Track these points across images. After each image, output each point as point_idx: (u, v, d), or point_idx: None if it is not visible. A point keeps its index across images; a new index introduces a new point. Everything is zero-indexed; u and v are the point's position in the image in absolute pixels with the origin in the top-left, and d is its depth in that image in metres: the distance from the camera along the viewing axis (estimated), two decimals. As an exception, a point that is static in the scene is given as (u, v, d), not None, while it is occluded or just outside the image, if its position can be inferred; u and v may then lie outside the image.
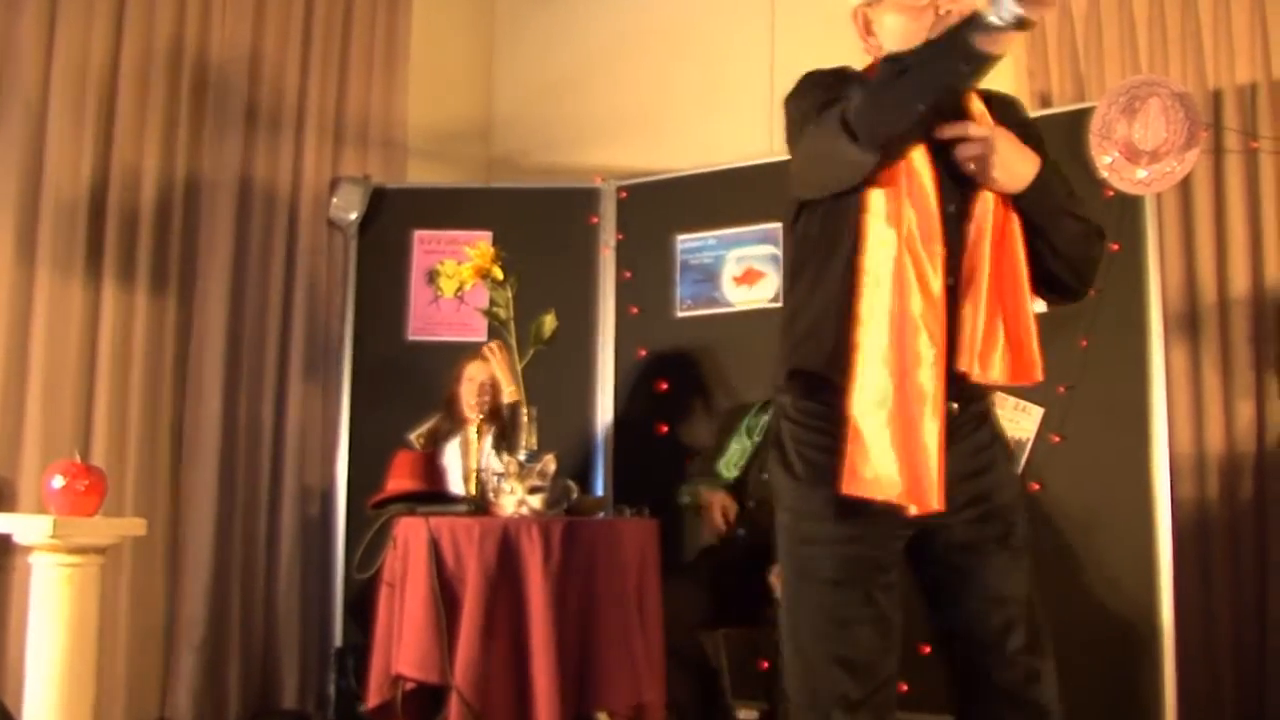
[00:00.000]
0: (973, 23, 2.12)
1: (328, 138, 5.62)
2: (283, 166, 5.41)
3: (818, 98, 2.45)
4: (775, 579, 4.06)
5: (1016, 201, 2.40)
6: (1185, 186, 4.80)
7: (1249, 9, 4.89)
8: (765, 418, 4.56)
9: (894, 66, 2.29)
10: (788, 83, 5.83)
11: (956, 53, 2.18)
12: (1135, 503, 4.40)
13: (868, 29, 2.56)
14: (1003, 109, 2.55)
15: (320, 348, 5.49)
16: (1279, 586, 4.59)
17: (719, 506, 4.40)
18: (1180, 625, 4.35)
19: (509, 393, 4.50)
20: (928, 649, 2.79)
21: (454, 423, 4.72)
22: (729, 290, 5.32)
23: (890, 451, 2.30)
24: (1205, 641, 4.61)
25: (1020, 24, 2.07)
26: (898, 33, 2.47)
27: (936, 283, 2.33)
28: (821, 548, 2.43)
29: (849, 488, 2.32)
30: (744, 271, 5.30)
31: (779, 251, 5.23)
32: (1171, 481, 4.45)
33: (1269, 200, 4.77)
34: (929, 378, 2.31)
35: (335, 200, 5.52)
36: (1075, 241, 2.49)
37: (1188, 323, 4.81)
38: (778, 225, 5.25)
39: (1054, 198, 2.44)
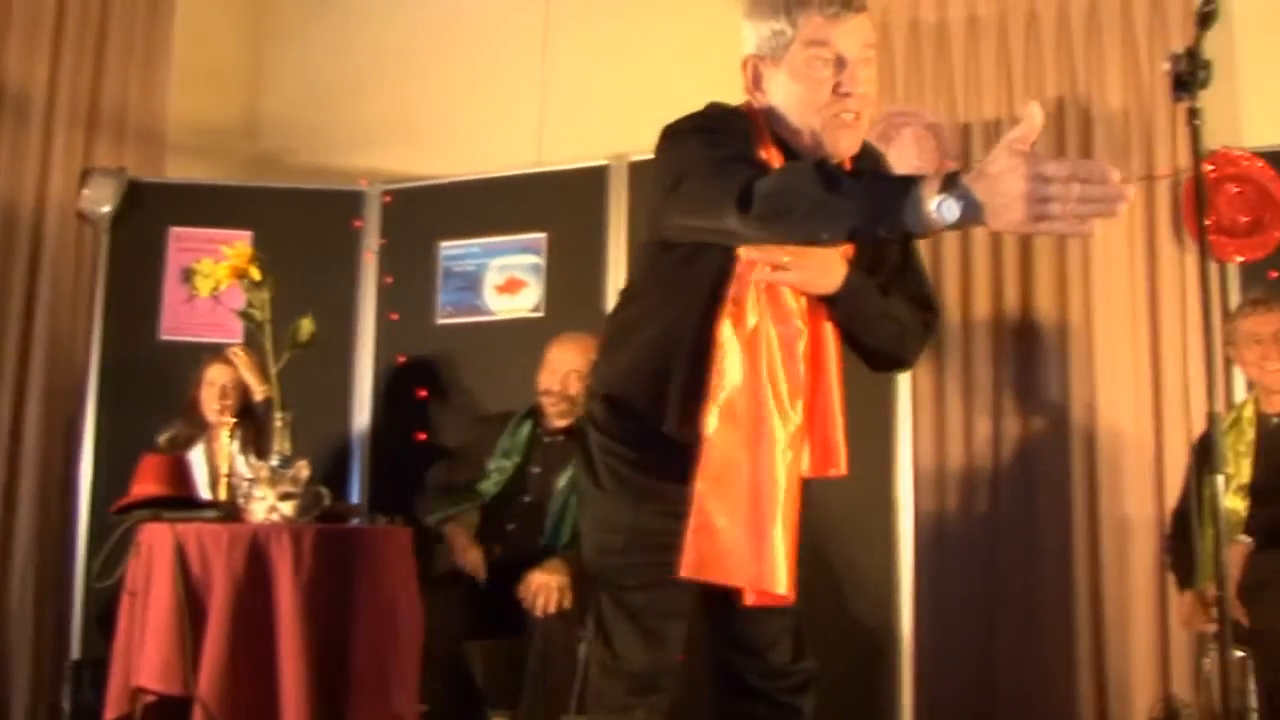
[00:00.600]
0: (916, 202, 1.93)
1: (79, 127, 5.41)
2: (30, 155, 5.20)
3: (718, 147, 2.30)
4: (524, 593, 4.10)
5: (827, 303, 2.40)
6: (934, 213, 5.01)
7: (995, 51, 5.16)
8: (524, 431, 4.58)
9: (821, 181, 2.04)
10: (558, 95, 5.91)
11: (887, 222, 2.00)
12: (879, 514, 4.58)
13: (757, 82, 2.44)
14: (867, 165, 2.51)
15: (65, 345, 5.28)
16: (1009, 594, 4.84)
17: (467, 553, 4.42)
18: (918, 631, 4.55)
19: (259, 392, 4.43)
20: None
21: (196, 427, 4.61)
22: (490, 299, 5.32)
23: (741, 538, 2.33)
24: (942, 646, 4.81)
25: (956, 226, 1.95)
26: (791, 100, 2.36)
27: (784, 386, 2.36)
28: (619, 558, 2.48)
29: (691, 571, 2.33)
30: (506, 281, 5.31)
31: (542, 262, 5.27)
32: (914, 494, 4.66)
33: (1008, 230, 5.01)
34: (783, 463, 2.35)
35: (86, 192, 5.31)
36: (890, 341, 2.53)
37: (932, 343, 5.02)
38: (542, 235, 5.29)
39: (864, 306, 2.44)
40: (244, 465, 4.15)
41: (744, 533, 2.33)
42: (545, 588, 4.12)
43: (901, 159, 4.76)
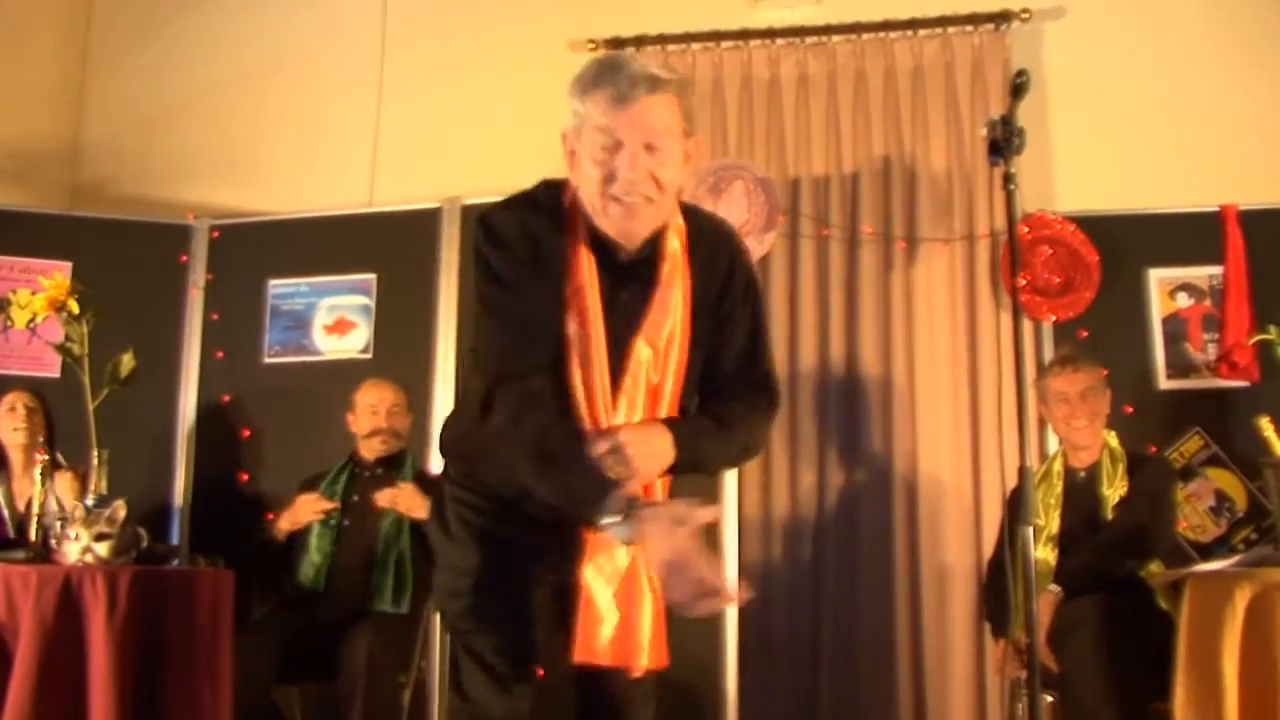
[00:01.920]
0: (601, 511, 2.16)
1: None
2: None
3: (504, 318, 2.37)
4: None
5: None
6: (763, 265, 5.12)
7: (825, 109, 5.30)
8: (343, 480, 4.56)
9: (534, 463, 2.26)
10: (392, 136, 5.89)
11: (578, 513, 2.24)
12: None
13: (571, 161, 2.39)
14: (710, 249, 2.48)
15: None
16: (832, 641, 4.93)
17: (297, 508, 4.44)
18: (742, 679, 4.60)
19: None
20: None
21: None
22: (319, 339, 5.25)
23: (617, 621, 2.39)
24: (765, 693, 4.87)
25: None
26: (582, 182, 2.36)
27: None
28: (464, 600, 2.50)
29: (583, 655, 2.36)
30: (335, 320, 5.25)
31: (371, 303, 5.23)
32: (739, 542, 4.72)
33: (836, 283, 5.16)
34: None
35: (-109, 215, 5.12)
36: (735, 460, 2.70)
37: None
38: (372, 276, 5.25)
39: (703, 462, 2.47)
40: (54, 501, 4.02)
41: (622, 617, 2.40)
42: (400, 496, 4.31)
43: (732, 212, 4.85)
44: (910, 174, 5.21)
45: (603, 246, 2.38)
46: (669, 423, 2.39)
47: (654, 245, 2.40)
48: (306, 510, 4.46)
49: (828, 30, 5.36)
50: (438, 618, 4.80)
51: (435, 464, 4.96)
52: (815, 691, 4.93)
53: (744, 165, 5.05)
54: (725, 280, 2.46)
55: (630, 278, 2.40)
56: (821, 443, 5.10)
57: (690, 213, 2.50)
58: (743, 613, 4.61)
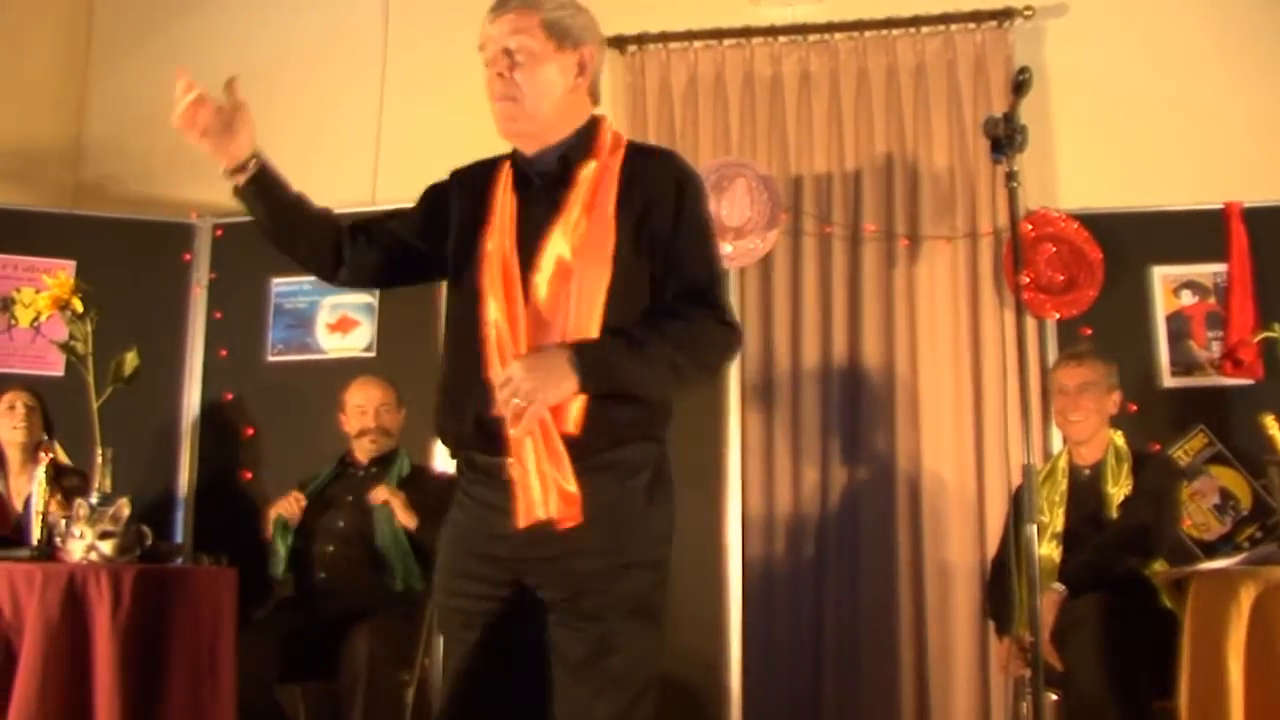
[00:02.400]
0: None
1: (-111, 146, 5.22)
2: None
3: None
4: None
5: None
6: (766, 263, 5.13)
7: (827, 106, 5.30)
8: (327, 473, 4.57)
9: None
10: (394, 133, 5.89)
11: None
12: (708, 561, 4.62)
13: None
14: (650, 177, 2.49)
15: None
16: (835, 640, 4.93)
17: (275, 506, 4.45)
18: (746, 676, 4.60)
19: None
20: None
21: None
22: (322, 337, 5.26)
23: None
24: (768, 691, 4.88)
25: None
26: None
27: None
28: (438, 595, 2.56)
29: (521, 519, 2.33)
30: (338, 319, 5.25)
31: (374, 301, 5.23)
32: (743, 540, 4.71)
33: (839, 281, 5.15)
34: None
35: (-104, 216, 5.13)
36: (668, 387, 2.45)
37: (763, 391, 5.11)
38: (371, 274, 5.24)
39: (622, 386, 2.36)
40: (38, 494, 4.02)
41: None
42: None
43: (735, 210, 4.85)
44: (913, 171, 5.21)
45: (520, 172, 2.55)
46: (573, 345, 2.33)
47: (566, 167, 2.50)
48: (274, 508, 4.47)
49: (830, 28, 5.35)
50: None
51: (440, 460, 4.98)
52: (818, 689, 4.93)
53: (746, 163, 5.05)
54: (665, 204, 2.46)
55: (542, 198, 2.48)
56: (824, 440, 5.10)
57: (634, 148, 2.56)
58: (746, 610, 4.61)
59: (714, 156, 5.21)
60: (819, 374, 5.14)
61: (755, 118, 5.37)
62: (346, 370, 4.95)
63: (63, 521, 3.79)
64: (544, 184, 2.51)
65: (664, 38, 5.47)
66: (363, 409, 4.60)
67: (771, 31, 5.41)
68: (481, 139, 5.74)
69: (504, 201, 2.52)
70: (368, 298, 5.23)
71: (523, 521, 2.32)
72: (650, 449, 2.45)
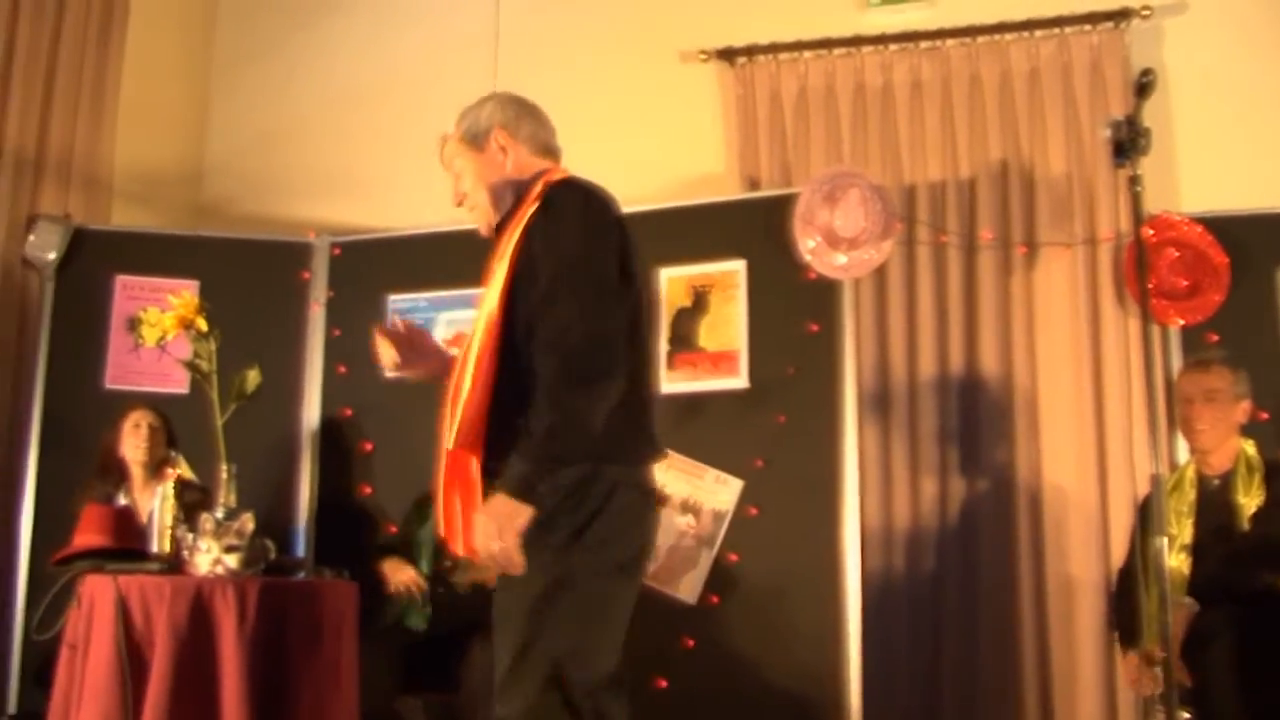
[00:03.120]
0: None
1: (26, 172, 5.36)
2: (-28, 200, 5.15)
3: None
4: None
5: None
6: (880, 273, 5.08)
7: (939, 114, 5.24)
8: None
9: None
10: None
11: None
12: (826, 574, 4.57)
13: None
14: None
15: (7, 392, 5.21)
16: (955, 655, 4.86)
17: (399, 573, 4.43)
18: (865, 692, 4.53)
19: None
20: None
21: (111, 482, 4.56)
22: (439, 353, 5.32)
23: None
24: (887, 708, 4.82)
25: None
26: None
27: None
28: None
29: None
30: (454, 335, 5.30)
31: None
32: (861, 554, 4.66)
33: (954, 290, 5.09)
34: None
35: (32, 239, 5.26)
36: (559, 448, 2.57)
37: (879, 403, 5.07)
38: (481, 292, 5.28)
39: (543, 476, 2.54)
40: (163, 512, 4.10)
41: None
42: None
43: (848, 221, 4.81)
44: (1028, 178, 5.13)
45: None
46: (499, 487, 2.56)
47: (499, 234, 2.84)
48: (399, 581, 4.48)
49: (941, 34, 5.30)
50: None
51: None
52: (938, 705, 4.87)
53: (858, 173, 5.00)
54: (531, 248, 2.68)
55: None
56: (942, 452, 5.04)
57: (544, 198, 2.76)
58: (865, 625, 4.56)
59: (826, 167, 5.17)
60: (936, 385, 5.08)
61: (867, 127, 5.34)
62: (463, 385, 4.98)
63: (188, 535, 3.87)
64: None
65: (773, 49, 5.47)
66: None
67: (882, 40, 5.37)
68: (592, 153, 5.79)
69: None
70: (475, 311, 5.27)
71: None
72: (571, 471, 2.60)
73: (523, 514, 2.50)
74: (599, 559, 2.65)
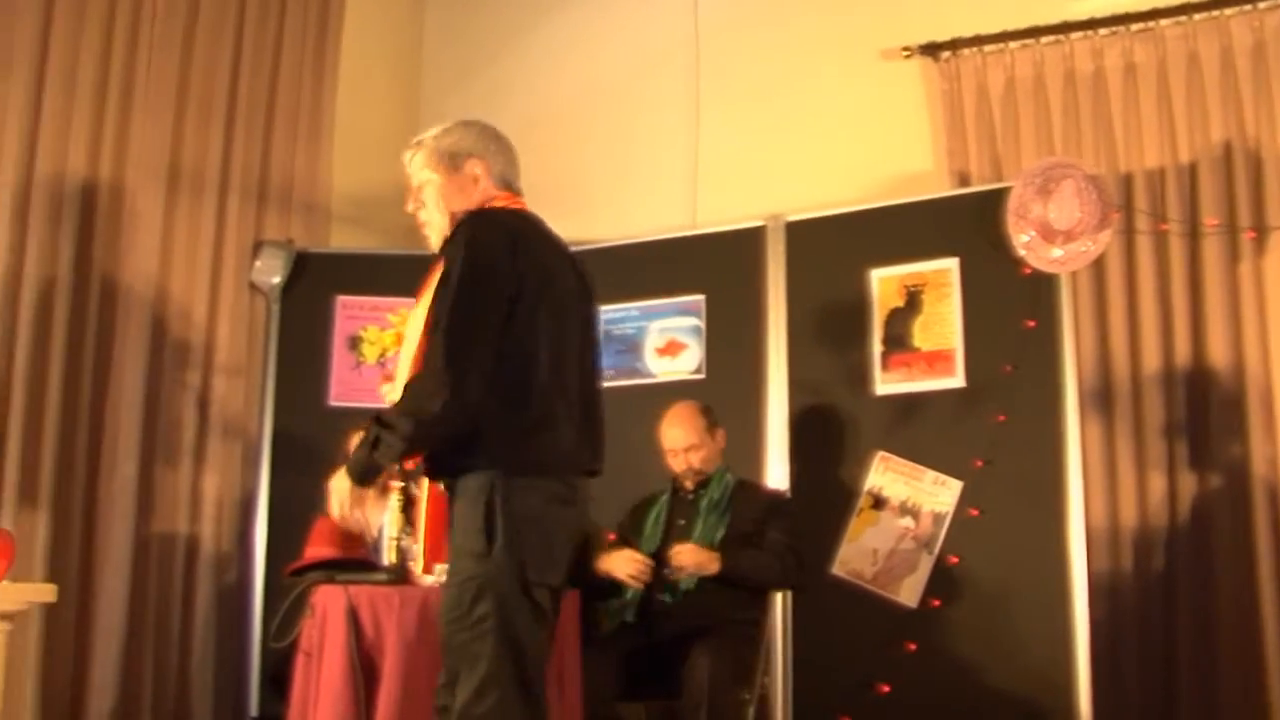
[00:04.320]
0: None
1: (251, 201, 5.59)
2: (205, 229, 5.38)
3: None
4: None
5: None
6: (1098, 265, 4.92)
7: (1155, 97, 5.06)
8: (664, 501, 4.60)
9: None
10: (712, 157, 5.96)
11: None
12: (1051, 576, 4.47)
13: None
14: None
15: (240, 411, 5.44)
16: (1189, 662, 4.67)
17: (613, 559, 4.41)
18: (1095, 700, 4.41)
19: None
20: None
21: None
22: (651, 361, 5.37)
23: None
24: (1119, 713, 4.66)
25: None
26: None
27: None
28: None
29: None
30: (666, 343, 5.34)
31: (701, 324, 5.29)
32: (1087, 555, 4.53)
33: (1178, 280, 4.91)
34: None
35: (258, 264, 5.50)
36: (405, 442, 3.01)
37: (1101, 398, 4.91)
38: (700, 297, 5.32)
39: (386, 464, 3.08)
40: (389, 524, 4.21)
41: None
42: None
43: (1063, 212, 4.68)
44: (1255, 159, 4.90)
45: None
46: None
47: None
48: (620, 569, 4.45)
49: (1154, 15, 5.11)
50: (779, 633, 4.83)
51: (772, 475, 4.99)
52: (1173, 712, 4.68)
53: (1072, 163, 4.86)
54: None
55: None
56: (1170, 447, 4.85)
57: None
58: (1093, 628, 4.43)
59: (1037, 159, 5.05)
60: (1161, 378, 4.90)
61: (1079, 115, 5.19)
62: (677, 393, 4.98)
63: (414, 547, 3.97)
64: None
65: (978, 40, 5.36)
66: (674, 453, 4.56)
67: (1091, 25, 5.20)
68: (797, 156, 5.79)
69: None
70: (695, 320, 5.30)
71: None
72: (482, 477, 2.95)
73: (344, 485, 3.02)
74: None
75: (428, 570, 3.61)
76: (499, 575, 2.93)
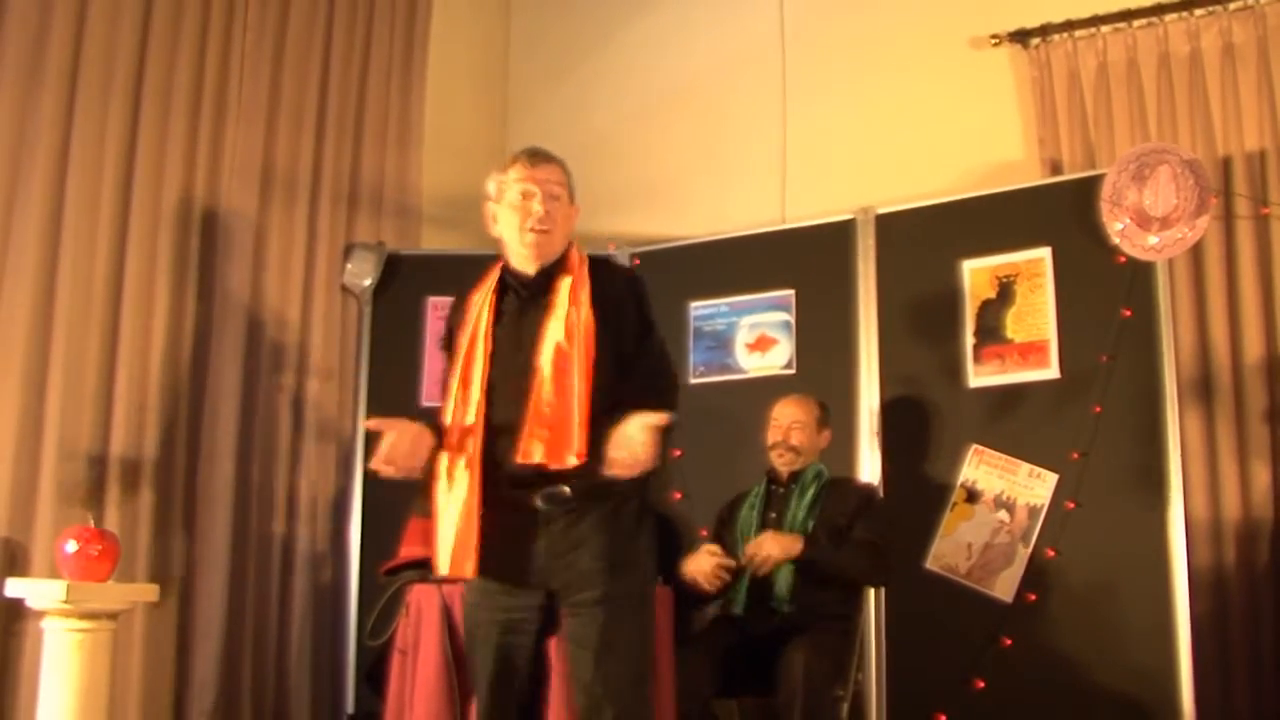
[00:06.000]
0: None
1: (342, 204, 5.66)
2: (298, 232, 5.45)
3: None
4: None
5: None
6: (1196, 252, 4.83)
7: (1255, 77, 4.94)
8: (759, 493, 4.57)
9: None
10: (800, 151, 5.94)
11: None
12: (1151, 570, 4.39)
13: (493, 220, 3.33)
14: (606, 283, 3.28)
15: (334, 413, 5.50)
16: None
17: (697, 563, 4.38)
18: (1199, 697, 4.32)
19: None
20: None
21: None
22: (742, 357, 5.35)
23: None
24: (1223, 709, 4.57)
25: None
26: (507, 222, 3.28)
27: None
28: None
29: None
30: (757, 338, 5.32)
31: (791, 319, 5.27)
32: (1188, 548, 4.44)
33: (1280, 265, 4.80)
34: None
35: (349, 266, 5.56)
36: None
37: (1201, 388, 4.81)
38: (789, 292, 5.30)
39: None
40: None
41: None
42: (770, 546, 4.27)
43: (1159, 199, 4.60)
44: (1365, 137, 4.78)
45: (511, 276, 3.31)
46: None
47: (548, 279, 3.24)
48: (704, 569, 4.42)
49: (1254, -8, 5.00)
50: (873, 629, 4.80)
51: (864, 470, 4.96)
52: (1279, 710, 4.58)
53: (1168, 149, 4.76)
54: (618, 299, 3.25)
55: (532, 289, 3.26)
56: (1274, 437, 4.73)
57: (593, 261, 3.33)
58: (1195, 624, 4.34)
59: (1131, 144, 4.96)
60: (1263, 366, 4.78)
61: (1174, 99, 5.08)
62: (767, 389, 4.98)
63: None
64: (529, 294, 3.27)
65: (1069, 26, 5.28)
66: (777, 423, 4.59)
67: (1186, 5, 5.09)
68: (887, 148, 5.74)
69: (485, 312, 3.32)
70: (785, 315, 5.27)
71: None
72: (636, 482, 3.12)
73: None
74: None
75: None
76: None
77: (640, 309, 3.31)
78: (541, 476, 3.10)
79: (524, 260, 3.28)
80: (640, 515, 3.27)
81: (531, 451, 3.07)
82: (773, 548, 4.25)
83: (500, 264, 3.37)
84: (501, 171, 3.35)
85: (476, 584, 3.25)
